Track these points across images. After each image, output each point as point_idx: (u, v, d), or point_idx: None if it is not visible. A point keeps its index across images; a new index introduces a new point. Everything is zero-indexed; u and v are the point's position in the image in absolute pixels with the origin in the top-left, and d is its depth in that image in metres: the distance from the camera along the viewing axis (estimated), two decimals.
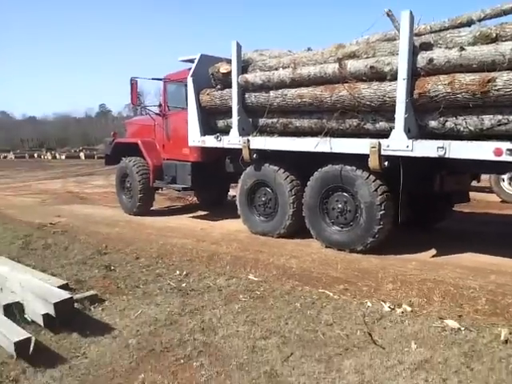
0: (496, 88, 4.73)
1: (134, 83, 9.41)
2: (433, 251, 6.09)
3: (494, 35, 4.91)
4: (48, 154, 42.37)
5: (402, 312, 4.04)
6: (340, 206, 6.31)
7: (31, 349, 3.31)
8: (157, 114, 9.54)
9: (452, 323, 3.75)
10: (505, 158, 4.65)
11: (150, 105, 10.48)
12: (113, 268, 5.53)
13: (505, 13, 5.11)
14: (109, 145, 10.63)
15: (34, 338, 3.40)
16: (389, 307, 4.14)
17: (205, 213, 9.65)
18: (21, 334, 3.41)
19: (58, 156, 40.35)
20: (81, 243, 6.90)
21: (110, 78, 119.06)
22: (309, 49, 8.06)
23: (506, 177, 10.78)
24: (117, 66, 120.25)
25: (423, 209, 6.96)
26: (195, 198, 11.22)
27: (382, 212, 5.83)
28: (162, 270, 5.51)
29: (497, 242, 6.46)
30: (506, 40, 4.83)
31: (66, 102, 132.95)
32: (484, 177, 11.14)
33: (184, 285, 4.93)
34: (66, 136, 66.17)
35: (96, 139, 58.99)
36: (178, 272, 5.36)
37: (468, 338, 3.52)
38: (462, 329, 3.66)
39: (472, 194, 11.24)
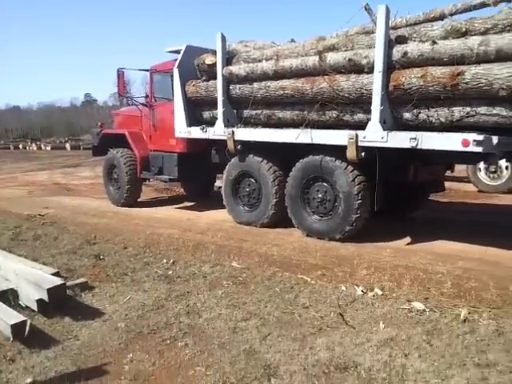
0: (465, 81, 4.98)
1: (120, 74, 9.54)
2: (407, 239, 6.39)
3: (464, 30, 5.15)
4: (33, 144, 42.10)
5: (374, 295, 4.33)
6: (320, 195, 6.56)
7: (26, 331, 3.52)
8: (143, 104, 9.68)
9: (418, 305, 4.04)
10: (471, 148, 4.91)
11: (136, 96, 10.60)
12: (102, 257, 5.73)
13: (474, 8, 5.32)
14: (96, 136, 10.74)
15: (29, 321, 3.61)
16: (361, 291, 4.42)
17: (191, 203, 9.86)
18: (17, 317, 3.63)
19: (43, 147, 40.10)
20: (70, 234, 7.08)
21: (95, 66, 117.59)
22: (292, 40, 8.24)
23: (482, 167, 11.13)
24: (102, 55, 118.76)
25: (399, 198, 7.24)
26: (182, 189, 11.42)
27: (359, 201, 6.10)
28: (149, 258, 5.73)
29: (468, 230, 6.78)
30: (474, 34, 5.06)
31: (50, 92, 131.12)
32: (462, 167, 11.54)
33: (170, 272, 5.16)
34: (50, 125, 65.56)
35: (81, 129, 58.65)
36: (164, 260, 5.59)
37: (431, 318, 3.81)
38: (427, 310, 3.96)
39: (450, 184, 11.65)
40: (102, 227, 7.55)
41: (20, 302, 4.17)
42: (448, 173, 7.43)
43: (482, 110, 5.03)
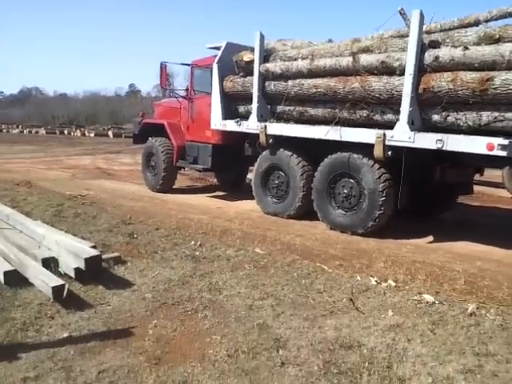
0: (494, 87, 5.08)
1: (163, 67, 9.99)
2: (429, 238, 6.51)
3: (497, 36, 5.25)
4: (78, 131, 43.82)
5: (387, 286, 4.52)
6: (346, 191, 6.76)
7: (65, 294, 3.93)
8: (183, 97, 10.10)
9: (428, 297, 4.21)
10: (496, 152, 5.02)
11: (177, 88, 11.04)
12: (135, 236, 6.14)
13: (510, 15, 5.41)
14: (137, 124, 11.27)
15: (67, 285, 4.03)
16: (375, 281, 4.62)
17: (223, 193, 10.22)
18: (56, 281, 4.04)
19: (87, 133, 41.70)
20: (107, 214, 7.55)
21: (140, 58, 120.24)
22: (329, 40, 8.45)
23: None
24: (147, 46, 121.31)
25: (427, 198, 7.34)
26: (215, 180, 11.82)
27: (383, 198, 6.26)
28: (178, 240, 6.09)
29: (493, 233, 6.82)
30: (507, 41, 5.16)
31: (96, 80, 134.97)
32: (498, 172, 11.41)
33: (197, 253, 5.50)
34: (95, 113, 67.73)
35: (124, 118, 60.35)
36: (192, 242, 5.94)
37: (439, 310, 3.98)
38: (437, 302, 4.13)
39: (484, 189, 11.56)
40: (137, 210, 8.00)
41: (60, 270, 4.59)
42: (478, 177, 7.45)
43: (510, 115, 5.11)
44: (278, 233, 6.61)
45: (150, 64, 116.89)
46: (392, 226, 6.59)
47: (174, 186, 10.32)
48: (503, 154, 4.97)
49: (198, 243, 5.89)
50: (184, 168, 10.50)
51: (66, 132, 44.08)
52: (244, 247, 5.79)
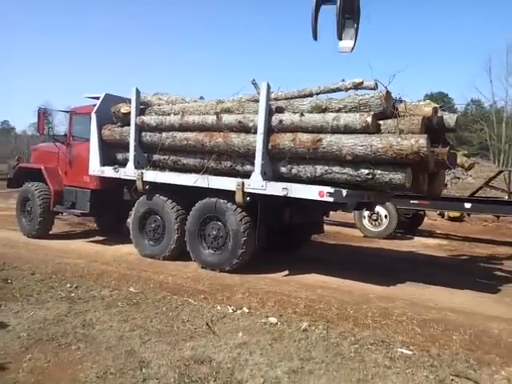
0: (323, 146, 6.41)
1: (41, 113, 10.22)
2: (285, 272, 7.61)
3: (324, 107, 6.66)
4: None
5: (241, 313, 5.39)
6: (214, 232, 7.64)
7: None
8: (61, 142, 10.33)
9: (273, 319, 5.16)
10: (326, 198, 6.30)
11: (56, 134, 11.17)
12: (9, 281, 6.29)
13: (333, 90, 6.90)
14: (12, 168, 11.15)
15: None
16: (232, 309, 5.47)
17: (102, 238, 10.50)
18: None
19: None
20: None
21: (17, 94, 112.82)
22: (201, 97, 9.53)
23: (366, 214, 12.92)
24: (25, 83, 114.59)
25: (284, 237, 8.52)
26: (94, 224, 11.99)
27: (245, 238, 7.24)
28: (54, 283, 6.37)
29: (338, 266, 8.15)
30: (331, 111, 6.58)
31: None
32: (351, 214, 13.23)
33: (73, 295, 5.88)
34: None
35: None
36: (68, 285, 6.27)
37: (280, 329, 4.92)
38: (279, 323, 5.08)
39: (341, 229, 13.30)
40: (11, 256, 8.00)
41: None
42: (336, 218, 8.84)
43: (336, 169, 6.47)
44: (153, 273, 7.21)
45: (27, 101, 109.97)
46: (254, 262, 7.57)
47: (51, 232, 10.34)
48: (331, 199, 6.26)
49: (74, 286, 6.25)
50: (62, 213, 10.59)
51: None
52: (119, 287, 6.28)
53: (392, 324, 5.23)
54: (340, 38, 6.66)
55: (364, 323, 5.22)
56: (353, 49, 6.73)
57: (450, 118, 6.86)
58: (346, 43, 6.73)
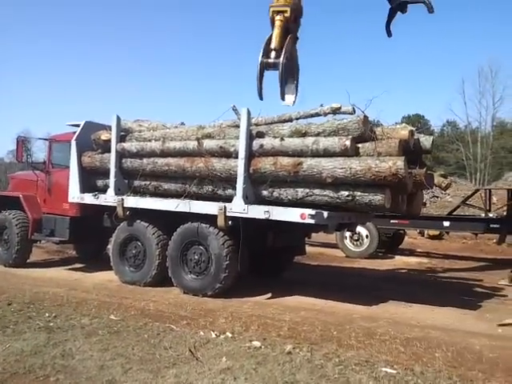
0: (303, 169, 6.50)
1: (20, 141, 10.15)
2: (268, 295, 7.58)
3: (304, 131, 6.78)
4: None
5: (225, 338, 5.33)
6: (196, 257, 7.59)
7: None
8: (40, 170, 10.23)
9: (256, 343, 5.11)
10: (307, 220, 6.35)
11: (34, 161, 11.06)
12: None
13: (312, 115, 7.05)
14: None
15: None
16: (215, 334, 5.41)
17: (81, 265, 10.33)
18: None
19: None
20: None
21: None
22: (182, 123, 9.58)
23: (348, 235, 13.03)
24: (3, 111, 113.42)
25: (266, 260, 8.51)
26: (74, 251, 11.80)
27: (227, 262, 7.21)
28: (32, 313, 6.22)
29: (320, 288, 8.15)
30: (310, 135, 6.70)
31: None
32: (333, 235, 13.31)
33: (51, 324, 5.73)
34: None
35: None
36: (47, 314, 6.13)
37: (264, 353, 4.88)
38: (262, 347, 5.03)
39: (324, 250, 13.36)
40: None
41: None
42: (319, 239, 8.88)
43: (317, 191, 6.56)
44: (134, 300, 7.10)
45: (4, 128, 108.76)
46: (237, 286, 7.53)
47: (28, 260, 10.13)
48: (312, 221, 6.31)
49: (53, 315, 6.11)
50: (40, 241, 10.41)
51: None
52: (99, 315, 6.17)
53: (375, 343, 5.24)
54: (283, 99, 7.31)
55: (348, 344, 5.22)
56: (294, 102, 7.51)
57: (426, 141, 7.07)
58: (289, 98, 7.44)
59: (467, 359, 4.83)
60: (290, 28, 7.47)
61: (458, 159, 44.95)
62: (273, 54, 7.13)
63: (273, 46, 7.20)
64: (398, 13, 7.87)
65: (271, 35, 7.26)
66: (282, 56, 6.99)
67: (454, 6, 65.27)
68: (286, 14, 7.32)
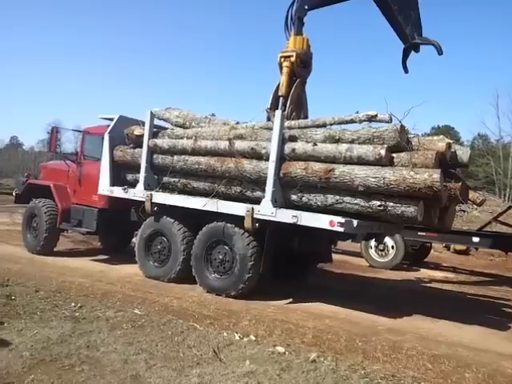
0: (335, 176, 6.41)
1: (53, 132, 10.33)
2: (291, 299, 7.50)
3: (337, 137, 6.69)
4: None
5: (248, 340, 5.29)
6: (221, 256, 7.58)
7: None
8: (72, 161, 10.40)
9: (280, 349, 5.06)
10: (336, 228, 6.26)
11: (66, 152, 11.27)
12: (13, 298, 6.23)
13: (347, 122, 6.95)
14: (21, 185, 11.20)
15: None
16: (239, 336, 5.37)
17: (106, 257, 10.44)
18: None
19: None
20: None
21: (26, 110, 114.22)
22: (213, 114, 9.56)
23: (373, 245, 12.83)
24: (33, 99, 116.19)
25: (290, 265, 8.44)
26: (99, 243, 11.95)
27: (252, 262, 7.18)
28: (58, 301, 6.31)
29: (345, 296, 8.04)
30: (344, 142, 6.61)
31: None
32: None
33: (77, 314, 5.80)
34: None
35: (1, 172, 56.24)
36: (73, 304, 6.20)
37: (288, 359, 4.82)
38: (286, 353, 4.98)
39: (348, 258, 13.21)
40: (15, 272, 7.94)
41: None
42: (343, 247, 8.78)
43: (347, 199, 6.46)
44: (158, 295, 7.12)
45: (35, 117, 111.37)
46: (260, 288, 7.48)
47: (55, 249, 10.29)
48: (341, 229, 6.22)
49: (79, 305, 6.18)
50: (67, 230, 10.57)
51: None
52: (123, 308, 6.20)
53: (402, 358, 5.12)
54: None
55: (374, 356, 5.12)
56: None
57: (463, 154, 6.91)
58: None
59: (499, 383, 4.67)
60: (297, 72, 8.73)
61: (487, 174, 43.92)
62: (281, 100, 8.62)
63: (280, 93, 8.59)
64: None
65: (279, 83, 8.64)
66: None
67: (490, 20, 63.99)
68: (291, 59, 8.54)
